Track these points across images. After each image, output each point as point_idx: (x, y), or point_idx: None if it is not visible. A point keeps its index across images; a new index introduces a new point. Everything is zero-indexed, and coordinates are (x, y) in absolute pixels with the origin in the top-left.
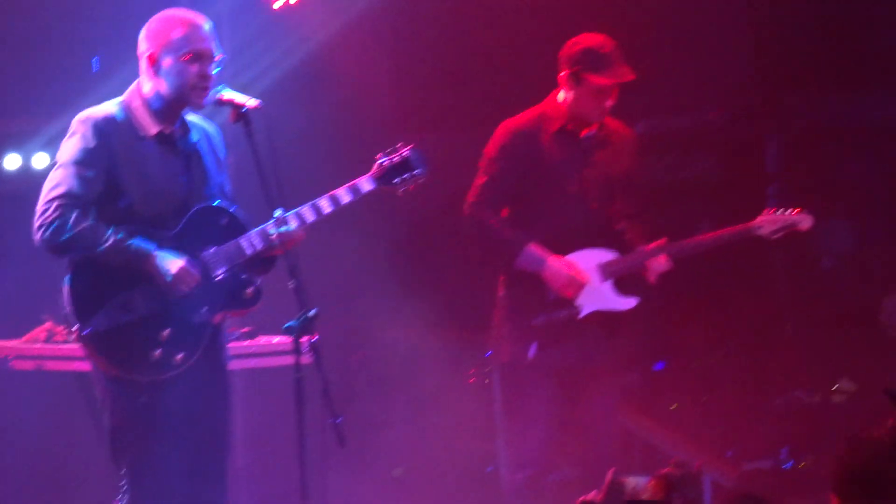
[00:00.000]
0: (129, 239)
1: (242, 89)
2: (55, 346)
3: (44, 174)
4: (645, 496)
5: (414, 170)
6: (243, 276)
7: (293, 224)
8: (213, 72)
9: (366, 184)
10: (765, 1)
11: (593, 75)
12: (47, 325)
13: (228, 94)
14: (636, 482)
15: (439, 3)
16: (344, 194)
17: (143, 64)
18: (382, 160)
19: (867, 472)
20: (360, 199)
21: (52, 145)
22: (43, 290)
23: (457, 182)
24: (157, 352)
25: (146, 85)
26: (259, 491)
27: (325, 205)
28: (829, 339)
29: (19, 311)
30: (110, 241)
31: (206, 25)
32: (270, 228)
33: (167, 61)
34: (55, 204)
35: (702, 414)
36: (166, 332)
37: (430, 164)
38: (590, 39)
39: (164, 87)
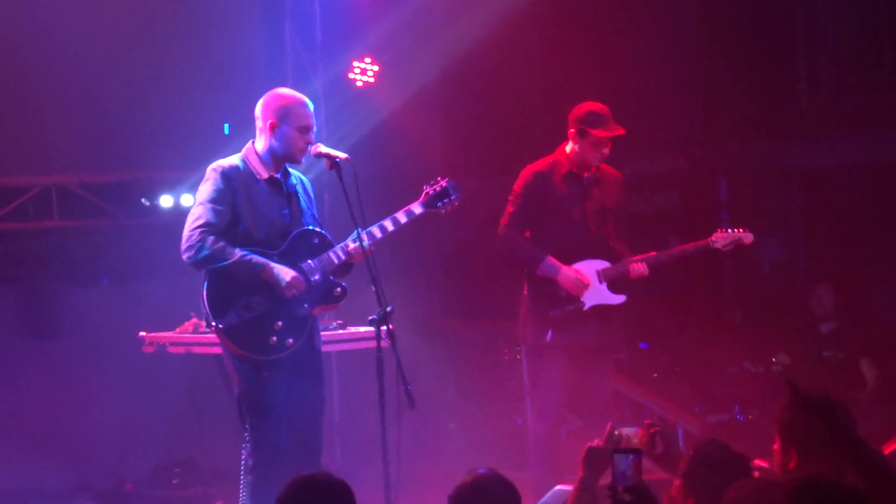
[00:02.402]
0: (250, 255)
1: (334, 146)
2: (200, 335)
3: (189, 211)
4: (635, 441)
5: (451, 196)
6: (333, 280)
7: (366, 240)
8: (313, 139)
9: (417, 208)
10: (718, 73)
11: (595, 131)
12: (193, 320)
13: (325, 149)
14: (628, 431)
15: (476, 83)
16: (402, 216)
17: (263, 127)
18: (427, 189)
19: (802, 421)
20: (413, 220)
21: (195, 189)
22: (189, 295)
23: (491, 211)
24: (274, 338)
25: (260, 143)
26: (349, 441)
27: (388, 224)
28: (769, 324)
29: (172, 311)
30: (237, 257)
31: (311, 105)
32: (351, 243)
33: (283, 130)
34: (198, 231)
35: (675, 380)
36: (279, 324)
37: (462, 192)
38: (591, 105)
39: (278, 147)
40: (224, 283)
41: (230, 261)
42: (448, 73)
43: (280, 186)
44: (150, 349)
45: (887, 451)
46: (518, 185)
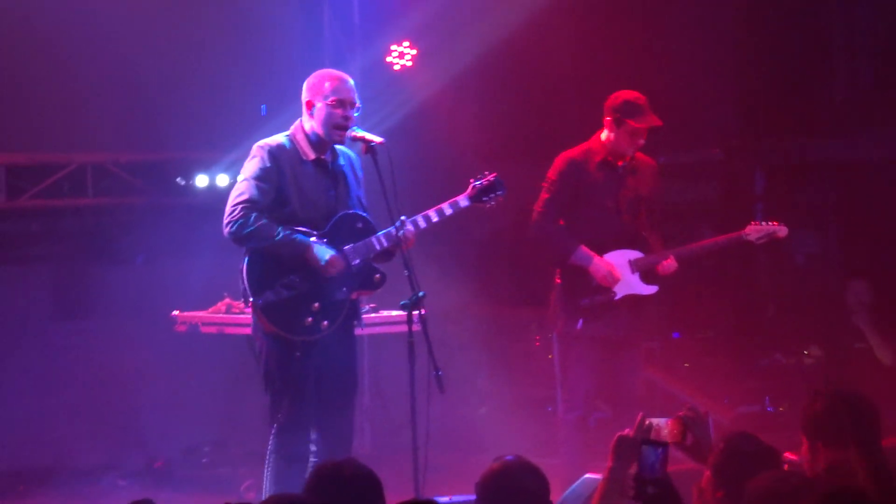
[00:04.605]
0: (293, 234)
1: (370, 130)
2: (232, 316)
3: (225, 190)
4: (665, 432)
5: (498, 191)
6: (373, 266)
7: (410, 228)
8: (353, 115)
9: (463, 201)
10: (755, 66)
11: (631, 121)
12: (227, 300)
13: (360, 132)
14: (658, 422)
15: (514, 69)
16: (447, 208)
17: (304, 107)
18: (475, 183)
19: (825, 418)
20: (457, 212)
21: (231, 169)
22: (223, 275)
23: (526, 199)
24: (309, 319)
25: (306, 123)
26: (378, 426)
27: (433, 215)
28: (802, 316)
29: (205, 291)
30: (280, 235)
31: (350, 81)
32: (394, 231)
33: (319, 105)
34: (240, 207)
35: (706, 371)
36: (316, 305)
37: (507, 187)
38: (628, 94)
39: (317, 124)
40: (265, 261)
41: (273, 240)
42: (486, 58)
43: (326, 167)
44: (182, 328)
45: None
46: (552, 172)
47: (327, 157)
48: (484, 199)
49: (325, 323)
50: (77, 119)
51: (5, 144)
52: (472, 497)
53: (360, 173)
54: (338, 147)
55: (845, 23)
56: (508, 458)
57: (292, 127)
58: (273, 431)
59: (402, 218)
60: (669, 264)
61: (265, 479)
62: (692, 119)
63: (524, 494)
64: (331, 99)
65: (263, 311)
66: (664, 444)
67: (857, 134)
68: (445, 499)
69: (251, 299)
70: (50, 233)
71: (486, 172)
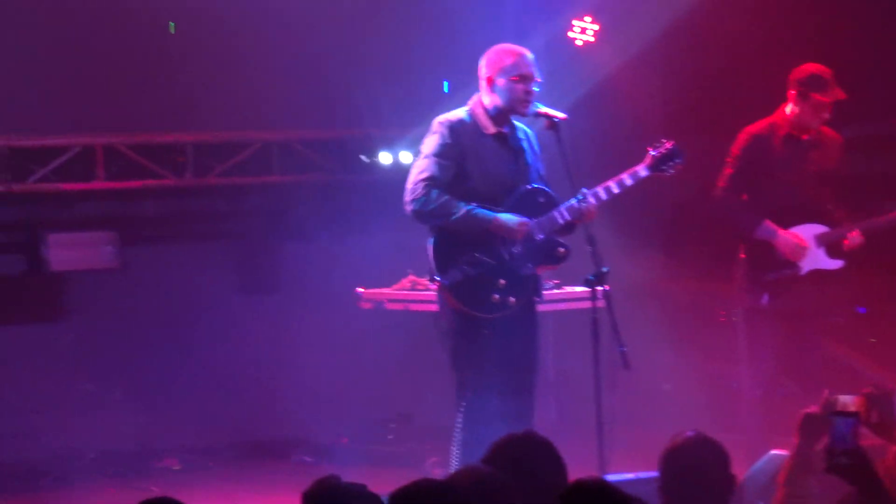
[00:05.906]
0: (475, 210)
1: (551, 105)
2: (416, 292)
3: (409, 167)
4: (850, 409)
5: (676, 158)
6: (556, 240)
7: (591, 200)
8: (534, 90)
9: (642, 170)
10: None
11: (816, 94)
12: (411, 277)
13: (544, 108)
14: (844, 399)
15: (696, 43)
16: (627, 178)
17: (483, 83)
18: (653, 152)
19: None
20: (637, 182)
21: (414, 146)
22: (406, 252)
23: (709, 173)
24: (496, 296)
25: (485, 98)
26: (564, 401)
27: (613, 186)
28: None
29: (389, 268)
30: (462, 212)
31: (530, 56)
32: (576, 203)
33: (501, 81)
34: (422, 184)
35: (894, 346)
36: (502, 282)
37: (686, 155)
38: (814, 68)
39: (499, 99)
40: (450, 239)
41: (455, 216)
42: (668, 33)
43: (506, 141)
44: (367, 305)
45: None
46: (736, 147)
47: (506, 130)
48: (663, 167)
49: (512, 299)
50: (261, 98)
51: (195, 124)
52: (655, 473)
53: (537, 147)
54: (515, 122)
55: None
56: (689, 433)
57: (470, 102)
58: (460, 408)
59: (583, 190)
60: (855, 238)
61: (452, 455)
62: (875, 89)
63: (706, 470)
64: (513, 74)
65: (450, 290)
66: (855, 415)
67: None
68: (629, 475)
69: (438, 278)
70: (236, 210)
71: (664, 140)
